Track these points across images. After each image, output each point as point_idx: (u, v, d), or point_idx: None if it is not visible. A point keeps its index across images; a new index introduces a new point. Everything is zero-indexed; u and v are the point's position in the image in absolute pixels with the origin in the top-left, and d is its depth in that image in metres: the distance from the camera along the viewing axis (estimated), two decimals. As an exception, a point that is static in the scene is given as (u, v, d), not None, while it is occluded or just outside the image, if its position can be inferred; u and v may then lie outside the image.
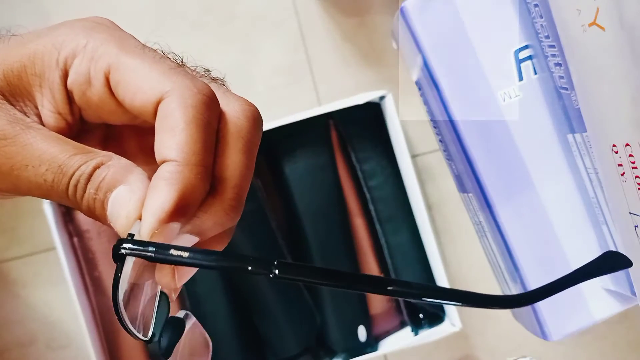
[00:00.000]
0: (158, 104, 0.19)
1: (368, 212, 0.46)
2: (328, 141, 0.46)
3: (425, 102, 0.33)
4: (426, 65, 0.30)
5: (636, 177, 0.23)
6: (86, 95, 0.20)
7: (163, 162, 0.18)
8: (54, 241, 0.43)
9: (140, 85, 0.19)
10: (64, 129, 0.20)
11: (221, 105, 0.20)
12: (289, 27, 0.52)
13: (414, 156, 0.52)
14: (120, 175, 0.19)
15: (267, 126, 0.43)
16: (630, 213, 0.25)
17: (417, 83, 0.32)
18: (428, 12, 0.29)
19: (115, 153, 0.20)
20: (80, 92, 0.20)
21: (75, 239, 0.45)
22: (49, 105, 0.20)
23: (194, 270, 0.19)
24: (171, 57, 0.21)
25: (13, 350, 0.52)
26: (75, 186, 0.18)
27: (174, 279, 0.19)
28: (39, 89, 0.20)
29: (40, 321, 0.52)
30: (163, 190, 0.18)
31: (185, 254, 0.17)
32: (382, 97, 0.45)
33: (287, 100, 0.52)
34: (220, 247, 0.21)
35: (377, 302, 0.47)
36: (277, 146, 0.45)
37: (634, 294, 0.27)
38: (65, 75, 0.20)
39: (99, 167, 0.19)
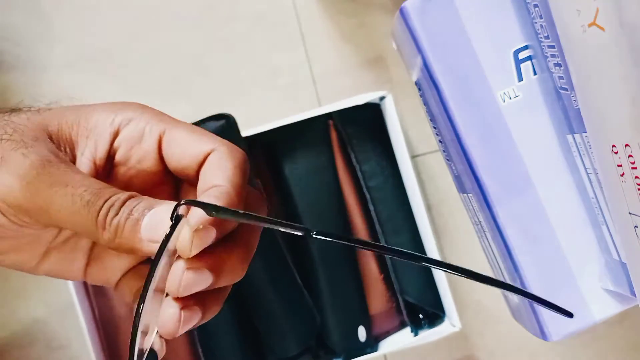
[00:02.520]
0: (206, 157, 0.22)
1: (368, 213, 0.46)
2: (328, 141, 0.46)
3: (425, 102, 0.33)
4: (426, 66, 0.30)
5: (636, 177, 0.23)
6: (131, 150, 0.23)
7: (211, 187, 0.21)
8: (54, 241, 0.43)
9: (191, 143, 0.23)
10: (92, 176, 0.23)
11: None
12: (289, 27, 0.52)
13: (414, 156, 0.52)
14: (156, 203, 0.21)
15: (267, 126, 0.43)
16: (630, 213, 0.25)
17: (417, 83, 0.32)
18: (428, 12, 0.29)
19: None
20: (127, 147, 0.23)
21: (75, 239, 0.45)
22: (88, 154, 0.23)
23: (197, 318, 0.22)
24: None
25: (13, 350, 0.52)
26: (109, 208, 0.20)
27: (178, 322, 0.22)
28: (85, 140, 0.23)
29: (40, 321, 0.52)
30: (211, 198, 0.21)
31: (243, 213, 0.20)
32: (382, 98, 0.45)
33: (287, 100, 0.52)
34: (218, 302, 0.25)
35: (377, 303, 0.47)
36: (277, 146, 0.45)
37: (634, 294, 0.27)
38: (115, 134, 0.23)
39: (132, 197, 0.21)
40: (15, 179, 0.21)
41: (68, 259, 0.25)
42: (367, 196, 0.45)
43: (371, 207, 0.45)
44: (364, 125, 0.46)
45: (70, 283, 0.43)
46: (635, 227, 0.24)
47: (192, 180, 0.24)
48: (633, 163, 0.23)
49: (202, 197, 0.21)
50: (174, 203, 0.20)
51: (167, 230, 0.20)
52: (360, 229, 0.47)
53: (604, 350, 0.53)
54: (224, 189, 0.21)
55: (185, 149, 0.23)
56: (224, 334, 0.44)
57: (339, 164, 0.46)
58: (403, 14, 0.30)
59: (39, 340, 0.52)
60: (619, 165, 0.24)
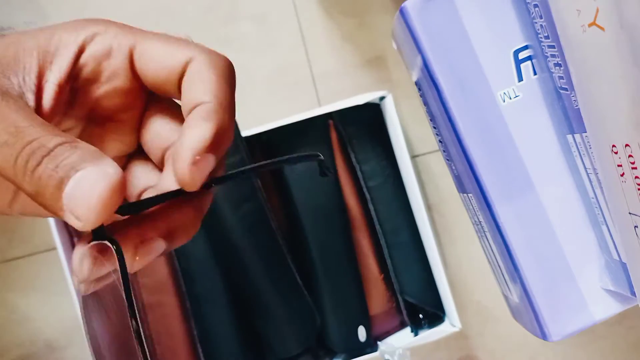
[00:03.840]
0: (184, 67, 0.20)
1: (368, 213, 0.46)
2: (328, 142, 0.46)
3: (425, 102, 0.33)
4: (426, 66, 0.30)
5: (636, 177, 0.23)
6: (99, 67, 0.21)
7: (195, 106, 0.20)
8: (54, 241, 0.43)
9: (166, 54, 0.20)
10: (54, 102, 0.20)
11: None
12: (289, 27, 0.52)
13: (414, 156, 0.52)
14: (90, 158, 0.17)
15: (266, 127, 0.43)
16: (630, 213, 0.25)
17: (417, 83, 0.32)
18: (428, 12, 0.29)
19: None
20: (94, 65, 0.21)
21: (75, 239, 0.45)
22: (53, 78, 0.20)
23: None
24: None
25: (13, 350, 0.52)
26: (30, 155, 0.17)
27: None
28: (50, 65, 0.20)
29: (40, 321, 0.52)
30: (201, 125, 0.19)
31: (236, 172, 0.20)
32: (382, 98, 0.45)
33: (287, 100, 0.52)
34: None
35: (377, 303, 0.47)
36: (277, 146, 0.45)
37: (634, 294, 0.27)
38: (79, 52, 0.20)
39: (62, 144, 0.17)
40: None
41: None
42: (367, 196, 0.45)
43: (371, 207, 0.45)
44: (364, 125, 0.46)
45: (70, 283, 0.43)
46: (635, 227, 0.24)
47: (174, 97, 0.22)
48: (633, 163, 0.23)
49: (189, 121, 0.19)
50: (114, 164, 0.17)
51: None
52: (361, 229, 0.47)
53: (604, 350, 0.53)
54: (210, 107, 0.19)
55: (160, 61, 0.20)
56: (224, 334, 0.44)
57: (339, 164, 0.46)
58: (403, 14, 0.30)
59: (39, 340, 0.52)
60: (619, 165, 0.24)
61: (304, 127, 0.44)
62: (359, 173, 0.45)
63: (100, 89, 0.21)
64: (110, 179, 0.17)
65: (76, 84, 0.21)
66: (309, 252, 0.45)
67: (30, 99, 0.19)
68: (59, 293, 0.51)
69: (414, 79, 0.33)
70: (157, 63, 0.20)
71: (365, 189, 0.45)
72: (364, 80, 0.52)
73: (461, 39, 0.29)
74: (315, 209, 0.45)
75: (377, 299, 0.47)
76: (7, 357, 0.52)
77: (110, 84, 0.21)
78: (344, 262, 0.46)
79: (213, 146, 0.19)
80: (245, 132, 0.43)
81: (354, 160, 0.45)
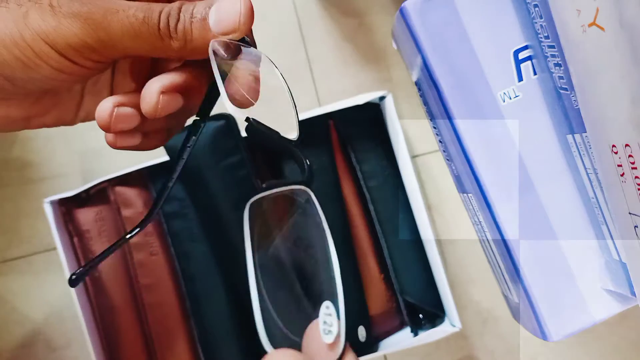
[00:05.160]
0: None
1: (368, 212, 0.46)
2: (328, 141, 0.46)
3: (425, 102, 0.33)
4: (426, 66, 0.30)
5: (636, 177, 0.23)
6: None
7: None
8: (54, 241, 0.43)
9: None
10: None
11: None
12: (289, 27, 0.52)
13: (414, 156, 0.52)
14: (210, 1, 0.22)
15: (267, 126, 0.43)
16: (630, 213, 0.25)
17: (417, 83, 0.32)
18: (428, 12, 0.29)
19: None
20: None
21: (75, 239, 0.45)
22: None
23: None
24: None
25: (13, 350, 0.52)
26: (168, 17, 0.21)
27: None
28: None
29: (40, 321, 0.52)
30: None
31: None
32: (382, 98, 0.45)
33: (287, 100, 0.52)
34: None
35: (377, 303, 0.47)
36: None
37: (633, 294, 0.27)
38: None
39: (183, 4, 0.22)
40: (73, 20, 0.21)
41: (99, 100, 0.25)
42: (367, 196, 0.45)
43: (371, 207, 0.45)
44: (364, 125, 0.46)
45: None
46: (635, 227, 0.24)
47: None
48: (633, 163, 0.23)
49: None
50: None
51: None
52: (360, 229, 0.47)
53: (604, 350, 0.53)
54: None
55: None
56: (224, 334, 0.44)
57: (339, 163, 0.46)
58: (403, 14, 0.30)
59: (39, 340, 0.52)
60: (619, 165, 0.24)
61: (304, 127, 0.44)
62: (359, 173, 0.45)
63: None
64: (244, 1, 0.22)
65: None
66: (309, 252, 0.45)
67: None
68: (58, 293, 0.51)
69: (414, 79, 0.33)
70: None
71: (365, 189, 0.45)
72: (364, 80, 0.52)
73: (461, 39, 0.29)
74: (315, 209, 0.45)
75: (377, 299, 0.47)
76: (7, 357, 0.52)
77: None
78: (343, 263, 0.46)
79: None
80: (245, 132, 0.43)
81: (354, 160, 0.45)
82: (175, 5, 0.22)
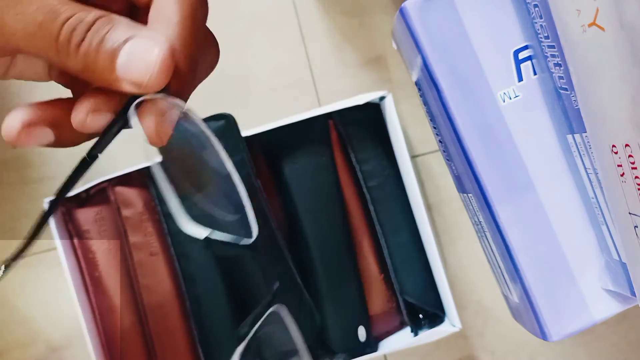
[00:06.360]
0: None
1: (368, 213, 0.46)
2: (328, 142, 0.46)
3: (425, 103, 0.33)
4: (426, 66, 0.30)
5: (636, 177, 0.23)
6: None
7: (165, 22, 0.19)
8: (54, 241, 0.43)
9: None
10: None
11: None
12: (289, 27, 0.52)
13: (414, 156, 0.52)
14: (131, 27, 0.18)
15: (266, 127, 0.43)
16: (630, 213, 0.25)
17: (417, 83, 0.32)
18: (428, 12, 0.29)
19: None
20: None
21: (75, 239, 0.45)
22: None
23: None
24: None
25: (13, 350, 0.52)
26: (71, 32, 0.17)
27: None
28: None
29: (40, 321, 0.52)
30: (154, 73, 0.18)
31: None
32: (382, 98, 0.45)
33: (287, 100, 0.52)
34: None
35: (377, 303, 0.47)
36: (277, 147, 0.45)
37: (634, 294, 0.27)
38: None
39: (99, 18, 0.18)
40: None
41: (34, 61, 0.22)
42: (367, 196, 0.45)
43: (371, 207, 0.45)
44: (364, 125, 0.46)
45: (70, 283, 0.43)
46: (635, 227, 0.24)
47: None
48: (633, 163, 0.23)
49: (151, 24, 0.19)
50: (156, 38, 0.18)
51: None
52: (360, 229, 0.47)
53: (604, 350, 0.53)
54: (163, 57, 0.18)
55: None
56: (224, 334, 0.44)
57: (339, 164, 0.46)
58: (403, 14, 0.30)
59: (39, 340, 0.52)
60: (619, 165, 0.24)
61: (304, 127, 0.44)
62: (359, 173, 0.45)
63: None
64: (162, 45, 0.18)
65: None
66: (309, 252, 0.45)
67: None
68: (59, 293, 0.51)
69: (414, 79, 0.33)
70: None
71: (365, 189, 0.45)
72: (364, 80, 0.52)
73: (461, 39, 0.29)
74: (315, 209, 0.45)
75: (377, 299, 0.47)
76: (7, 357, 0.52)
77: None
78: (344, 262, 0.46)
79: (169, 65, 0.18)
80: (245, 132, 0.43)
81: (354, 160, 0.45)
82: (88, 17, 0.18)
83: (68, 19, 0.17)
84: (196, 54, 0.19)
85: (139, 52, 0.18)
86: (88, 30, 0.18)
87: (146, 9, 0.19)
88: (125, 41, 0.18)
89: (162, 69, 0.18)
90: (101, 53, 0.18)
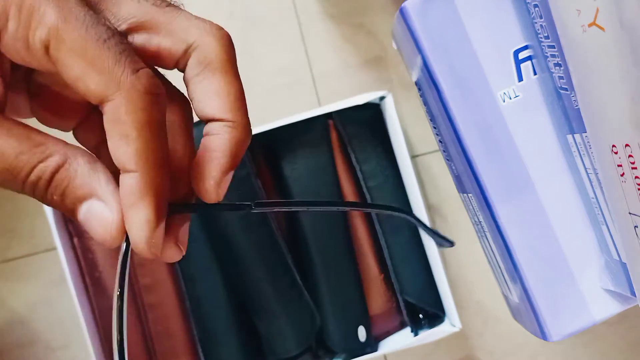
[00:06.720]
0: (103, 101, 0.18)
1: (368, 213, 0.46)
2: (328, 142, 0.46)
3: (425, 103, 0.33)
4: (426, 66, 0.30)
5: (636, 177, 0.23)
6: (25, 60, 0.18)
7: (124, 171, 0.18)
8: (54, 241, 0.43)
9: (80, 76, 0.17)
10: (1, 94, 0.19)
11: (190, 33, 0.21)
12: (289, 27, 0.52)
13: (414, 156, 0.52)
14: (87, 183, 0.18)
15: (266, 127, 0.43)
16: (630, 213, 0.25)
17: (417, 83, 0.32)
18: (428, 12, 0.29)
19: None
20: (19, 57, 0.18)
21: (75, 239, 0.45)
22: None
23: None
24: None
25: (13, 350, 0.52)
26: (33, 189, 0.18)
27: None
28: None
29: (40, 321, 0.52)
30: (139, 206, 0.18)
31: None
32: (382, 98, 0.45)
33: (287, 100, 0.52)
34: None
35: (377, 303, 0.47)
36: (277, 147, 0.45)
37: (634, 294, 0.27)
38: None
39: (57, 170, 0.18)
40: None
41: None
42: (367, 196, 0.45)
43: (371, 207, 0.45)
44: (364, 125, 0.46)
45: (70, 284, 0.43)
46: (635, 227, 0.24)
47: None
48: (633, 163, 0.23)
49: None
50: (110, 190, 0.18)
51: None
52: (361, 229, 0.47)
53: (604, 350, 0.53)
54: (140, 182, 0.18)
55: (76, 81, 0.18)
56: (224, 334, 0.44)
57: (339, 164, 0.46)
58: (403, 14, 0.30)
59: (39, 340, 0.52)
60: (619, 165, 0.24)
61: (304, 127, 0.44)
62: (359, 173, 0.45)
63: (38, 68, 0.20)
64: (115, 214, 0.18)
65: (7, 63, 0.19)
66: (309, 252, 0.45)
67: None
68: (59, 293, 0.51)
69: (414, 79, 0.33)
70: (71, 79, 0.18)
71: (365, 189, 0.45)
72: (364, 80, 0.52)
73: (461, 39, 0.29)
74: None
75: (377, 299, 0.47)
76: (7, 357, 0.52)
77: (44, 71, 0.20)
78: (344, 262, 0.46)
79: (159, 219, 0.19)
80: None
81: (354, 160, 0.45)
82: (45, 175, 0.18)
83: (27, 176, 0.18)
84: (165, 154, 0.19)
85: (95, 216, 0.18)
86: (48, 186, 0.18)
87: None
88: (83, 200, 0.18)
89: (119, 232, 0.19)
90: (63, 207, 0.18)
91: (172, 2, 0.21)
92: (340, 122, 0.45)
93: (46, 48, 0.17)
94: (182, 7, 0.22)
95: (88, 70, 0.17)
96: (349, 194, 0.47)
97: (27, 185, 0.18)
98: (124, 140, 0.18)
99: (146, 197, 0.18)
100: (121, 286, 0.20)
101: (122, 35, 0.19)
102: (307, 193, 0.45)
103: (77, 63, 0.17)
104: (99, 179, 0.18)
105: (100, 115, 0.18)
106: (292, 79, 0.52)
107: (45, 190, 0.18)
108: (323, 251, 0.45)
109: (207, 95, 0.20)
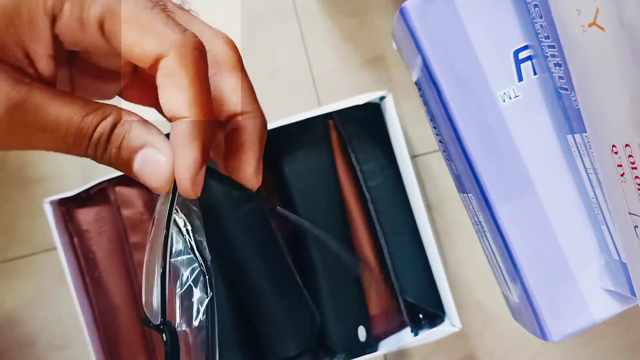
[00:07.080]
0: (157, 60, 0.20)
1: (368, 213, 0.46)
2: (328, 142, 0.46)
3: (425, 103, 0.33)
4: (426, 66, 0.30)
5: (636, 177, 0.23)
6: (78, 39, 0.21)
7: (175, 118, 0.20)
8: (54, 241, 0.43)
9: (136, 41, 0.20)
10: (54, 72, 0.21)
11: (203, 35, 0.23)
12: (289, 27, 0.52)
13: (414, 156, 0.52)
14: (141, 134, 0.21)
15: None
16: (630, 213, 0.25)
17: (417, 83, 0.32)
18: (428, 12, 0.29)
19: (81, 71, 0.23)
20: (72, 37, 0.20)
21: (75, 239, 0.45)
22: (42, 50, 0.21)
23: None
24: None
25: (13, 350, 0.52)
26: (96, 146, 0.20)
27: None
28: (30, 37, 0.20)
29: (40, 321, 0.52)
30: (189, 147, 0.20)
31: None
32: (382, 98, 0.45)
33: (286, 100, 0.52)
34: None
35: (377, 303, 0.47)
36: (277, 147, 0.45)
37: (634, 294, 0.27)
38: (53, 21, 0.20)
39: (115, 126, 0.21)
40: None
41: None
42: (367, 196, 0.45)
43: (371, 207, 0.45)
44: (364, 125, 0.46)
45: (70, 284, 0.43)
46: (635, 227, 0.24)
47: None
48: (633, 163, 0.23)
49: (174, 140, 0.21)
50: (162, 138, 0.21)
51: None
52: (360, 229, 0.47)
53: (604, 350, 0.53)
54: (192, 126, 0.20)
55: (131, 47, 0.20)
56: (224, 334, 0.44)
57: (339, 164, 0.46)
58: (403, 14, 0.30)
59: (39, 340, 0.52)
60: (619, 165, 0.24)
61: (304, 127, 0.44)
62: (359, 173, 0.45)
63: (88, 49, 0.22)
64: (167, 157, 0.20)
65: (64, 54, 0.22)
66: (309, 252, 0.45)
67: (32, 73, 0.21)
68: (59, 293, 0.51)
69: (414, 79, 0.33)
70: (127, 47, 0.20)
71: (365, 189, 0.45)
72: (364, 80, 0.52)
73: (461, 39, 0.29)
74: (315, 209, 0.45)
75: (377, 299, 0.47)
76: (7, 357, 0.52)
77: (95, 50, 0.21)
78: (344, 262, 0.46)
79: (204, 162, 0.21)
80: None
81: (354, 160, 0.45)
82: (105, 131, 0.20)
83: (92, 136, 0.20)
84: (211, 101, 0.21)
85: (149, 162, 0.21)
86: (108, 142, 0.20)
87: (151, 72, 0.21)
88: (139, 149, 0.21)
89: (172, 175, 0.21)
90: (120, 160, 0.21)
91: (189, 10, 0.24)
92: (340, 122, 0.45)
93: (100, 24, 0.20)
94: (198, 16, 0.24)
95: (143, 34, 0.20)
96: (349, 194, 0.47)
97: (92, 144, 0.20)
98: (178, 89, 0.20)
99: (196, 139, 0.20)
100: (167, 227, 0.22)
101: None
102: (307, 193, 0.45)
103: (133, 30, 0.20)
104: (150, 131, 0.21)
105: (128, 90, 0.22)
106: (292, 79, 0.52)
107: (105, 146, 0.20)
108: (323, 251, 0.45)
109: (224, 92, 0.23)
